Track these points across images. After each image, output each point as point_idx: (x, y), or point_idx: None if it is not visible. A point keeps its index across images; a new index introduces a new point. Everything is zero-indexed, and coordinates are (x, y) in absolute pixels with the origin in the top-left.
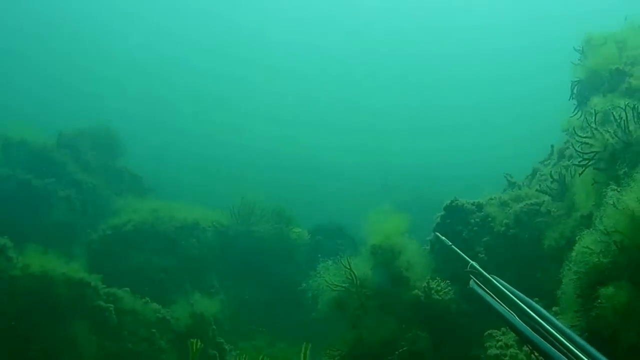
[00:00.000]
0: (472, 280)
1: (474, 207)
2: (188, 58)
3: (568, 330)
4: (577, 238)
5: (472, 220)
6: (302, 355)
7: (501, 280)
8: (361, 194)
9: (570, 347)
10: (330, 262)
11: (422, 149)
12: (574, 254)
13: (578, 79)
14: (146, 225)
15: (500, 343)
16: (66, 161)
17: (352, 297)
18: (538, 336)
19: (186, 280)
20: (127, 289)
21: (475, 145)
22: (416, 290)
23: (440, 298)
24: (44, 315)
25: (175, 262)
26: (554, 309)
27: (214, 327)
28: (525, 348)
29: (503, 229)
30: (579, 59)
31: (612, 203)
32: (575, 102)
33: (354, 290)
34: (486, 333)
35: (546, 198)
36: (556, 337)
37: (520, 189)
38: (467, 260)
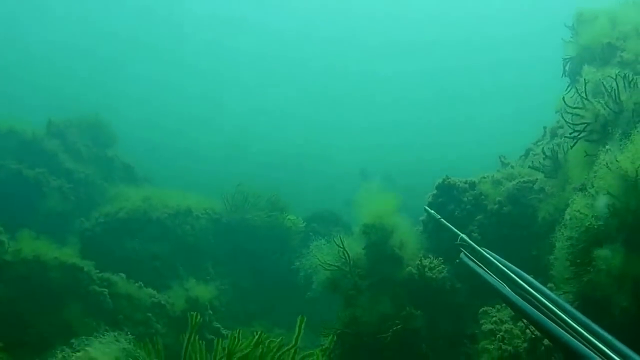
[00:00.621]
0: (462, 252)
1: (466, 185)
2: (181, 55)
3: (559, 299)
4: (569, 202)
5: (465, 199)
6: (297, 327)
7: (491, 252)
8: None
9: (561, 315)
10: (323, 241)
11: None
12: (566, 217)
13: (570, 56)
14: (139, 213)
15: (494, 319)
16: (56, 150)
17: (346, 277)
18: (529, 305)
19: (180, 267)
20: (122, 274)
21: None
22: (409, 268)
23: (434, 276)
24: (38, 299)
25: (168, 248)
26: (549, 285)
27: (210, 312)
28: (519, 323)
29: (496, 206)
30: (570, 37)
31: (604, 164)
32: (568, 80)
33: (347, 269)
34: (481, 310)
35: (539, 175)
36: (547, 306)
37: (513, 168)
38: (457, 233)
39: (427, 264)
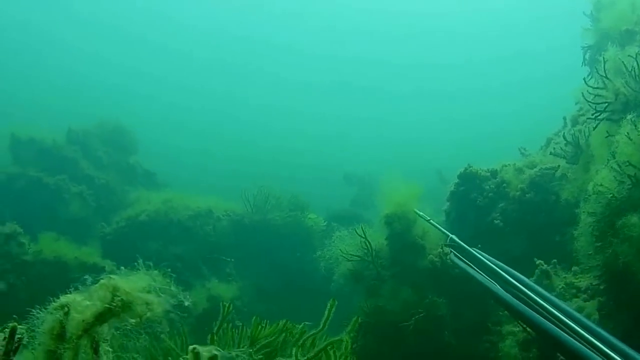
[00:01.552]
0: (452, 253)
1: (488, 173)
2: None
3: (552, 297)
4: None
5: (487, 187)
6: (327, 311)
7: (482, 252)
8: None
9: (555, 312)
10: (345, 232)
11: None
12: (589, 191)
13: (588, 45)
14: (160, 215)
15: None
16: (77, 157)
17: (369, 267)
18: (521, 303)
19: (202, 268)
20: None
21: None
22: (431, 256)
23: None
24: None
25: (190, 250)
26: (573, 268)
27: (232, 310)
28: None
29: (518, 193)
30: (590, 25)
31: (625, 134)
32: (588, 69)
33: (369, 260)
34: None
35: (561, 162)
36: (540, 304)
37: (534, 157)
38: (447, 234)
39: (448, 251)
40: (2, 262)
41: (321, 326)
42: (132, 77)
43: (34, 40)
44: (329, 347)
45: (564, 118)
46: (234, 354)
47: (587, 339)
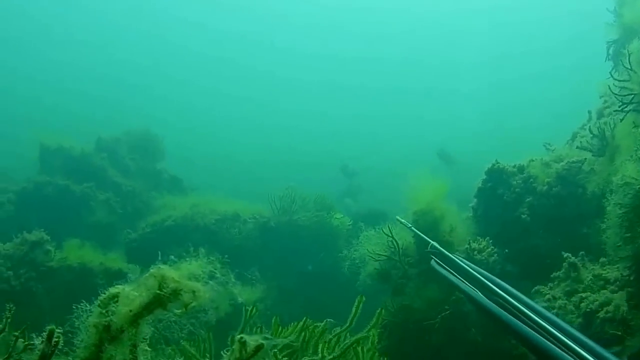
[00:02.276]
0: (432, 260)
1: (515, 169)
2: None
3: (535, 304)
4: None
5: (514, 182)
6: (354, 307)
7: (463, 259)
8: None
9: (539, 320)
10: (372, 232)
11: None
12: (616, 183)
13: (613, 40)
14: (186, 220)
15: (547, 296)
16: (105, 165)
17: (396, 266)
18: (504, 311)
19: (227, 272)
20: None
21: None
22: (457, 252)
23: (484, 259)
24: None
25: (216, 254)
26: (601, 260)
27: (255, 313)
28: (573, 299)
29: (545, 188)
30: (613, 20)
31: None
32: (612, 64)
33: (396, 258)
34: (533, 290)
35: (587, 155)
36: (523, 311)
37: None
38: (428, 241)
39: (476, 246)
40: (28, 269)
41: (348, 323)
42: (157, 78)
43: (54, 46)
44: (356, 344)
45: (589, 111)
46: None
47: (575, 349)
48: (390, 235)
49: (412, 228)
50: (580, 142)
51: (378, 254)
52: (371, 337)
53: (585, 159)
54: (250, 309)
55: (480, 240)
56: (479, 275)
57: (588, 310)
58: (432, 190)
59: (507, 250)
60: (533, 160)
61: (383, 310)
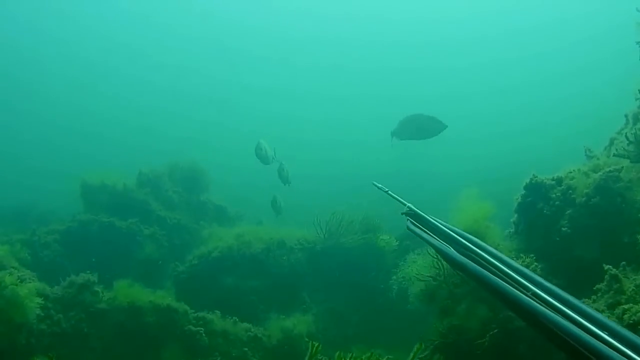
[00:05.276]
0: (408, 221)
1: (553, 182)
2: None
3: (505, 257)
4: None
5: (553, 195)
6: (412, 355)
7: (437, 218)
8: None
9: (508, 271)
10: (417, 255)
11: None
12: None
13: None
14: (232, 251)
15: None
16: (148, 199)
17: (441, 287)
18: (476, 265)
19: (277, 299)
20: (217, 312)
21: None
22: None
23: None
24: (135, 344)
25: (264, 282)
26: None
27: (306, 339)
28: (616, 311)
29: (584, 199)
30: None
31: None
32: None
33: (442, 279)
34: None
35: (625, 162)
36: (494, 264)
37: (598, 159)
38: (404, 204)
39: (521, 263)
40: (77, 311)
41: None
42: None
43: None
44: None
45: (626, 115)
46: None
47: (537, 293)
48: (435, 256)
49: (389, 192)
50: (617, 149)
51: (423, 274)
52: None
53: (622, 167)
54: (315, 345)
55: (524, 257)
56: (452, 233)
57: (631, 322)
58: (477, 209)
59: (550, 264)
60: (571, 172)
61: (433, 331)
